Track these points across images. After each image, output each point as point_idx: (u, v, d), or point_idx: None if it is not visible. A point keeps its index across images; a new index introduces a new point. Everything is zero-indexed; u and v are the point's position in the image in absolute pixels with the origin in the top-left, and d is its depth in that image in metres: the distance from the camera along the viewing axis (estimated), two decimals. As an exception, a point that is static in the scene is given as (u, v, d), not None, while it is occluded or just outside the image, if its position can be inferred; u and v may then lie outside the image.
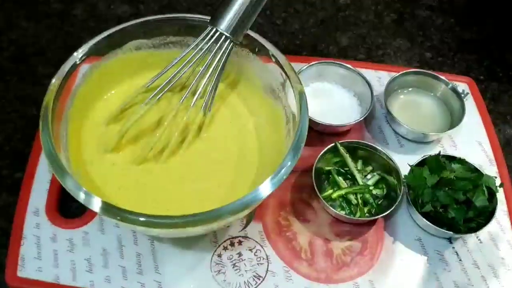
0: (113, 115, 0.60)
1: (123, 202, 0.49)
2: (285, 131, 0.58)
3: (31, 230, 0.61)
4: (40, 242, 0.60)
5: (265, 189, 0.48)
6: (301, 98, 0.55)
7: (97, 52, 0.59)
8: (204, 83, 0.57)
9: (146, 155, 0.57)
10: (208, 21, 0.57)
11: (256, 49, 0.61)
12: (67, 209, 0.64)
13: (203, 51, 0.56)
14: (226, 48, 0.57)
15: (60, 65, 0.56)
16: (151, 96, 0.57)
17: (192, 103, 0.57)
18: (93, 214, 0.62)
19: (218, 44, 0.56)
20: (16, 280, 0.57)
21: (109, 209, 0.46)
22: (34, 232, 0.60)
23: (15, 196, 0.64)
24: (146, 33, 0.61)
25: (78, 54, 0.57)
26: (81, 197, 0.47)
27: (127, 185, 0.56)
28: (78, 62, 0.56)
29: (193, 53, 0.57)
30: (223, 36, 0.56)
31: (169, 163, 0.58)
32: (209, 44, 0.56)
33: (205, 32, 0.57)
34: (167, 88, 0.57)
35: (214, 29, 0.56)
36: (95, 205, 0.46)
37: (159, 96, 0.57)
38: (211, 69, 0.57)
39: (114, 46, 0.60)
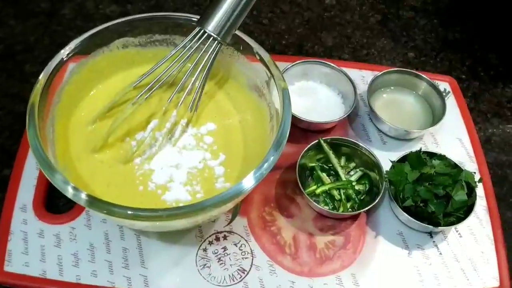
0: (100, 113, 0.60)
1: (113, 198, 0.49)
2: (269, 127, 0.59)
3: (18, 226, 0.61)
4: (27, 237, 0.60)
5: (248, 182, 0.49)
6: (284, 95, 0.56)
7: (84, 50, 0.59)
8: (192, 82, 0.58)
9: (134, 152, 0.58)
10: (196, 21, 0.58)
11: (241, 48, 0.62)
12: (54, 205, 0.65)
13: (191, 51, 0.57)
14: (214, 48, 0.57)
15: (48, 63, 0.56)
16: (139, 96, 0.57)
17: (180, 102, 0.57)
18: (80, 210, 0.63)
19: (206, 45, 0.57)
20: (3, 274, 0.58)
21: (96, 202, 0.47)
22: (22, 227, 0.61)
23: (2, 193, 0.64)
24: (132, 31, 0.62)
25: (65, 51, 0.57)
26: (69, 191, 0.47)
27: (116, 182, 0.56)
28: (65, 59, 0.57)
29: (181, 53, 0.57)
30: (211, 37, 0.57)
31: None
32: (197, 44, 0.57)
33: (193, 33, 0.57)
34: (155, 88, 0.57)
35: (202, 30, 0.57)
36: (83, 199, 0.47)
37: (147, 96, 0.57)
38: (198, 69, 0.58)
39: (100, 44, 0.61)
